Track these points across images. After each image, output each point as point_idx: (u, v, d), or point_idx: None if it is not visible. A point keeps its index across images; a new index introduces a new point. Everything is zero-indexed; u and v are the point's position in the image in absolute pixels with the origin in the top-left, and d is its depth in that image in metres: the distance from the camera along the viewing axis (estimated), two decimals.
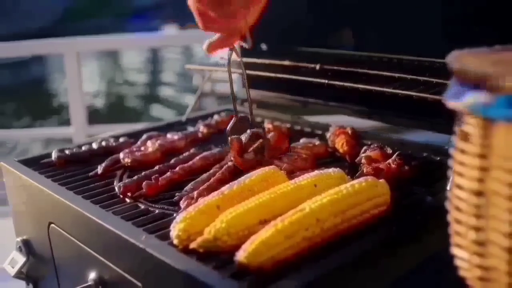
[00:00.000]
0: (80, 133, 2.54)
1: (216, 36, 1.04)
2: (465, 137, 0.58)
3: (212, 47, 1.04)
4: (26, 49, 2.92)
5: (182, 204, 0.94)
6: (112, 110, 9.07)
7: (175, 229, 0.80)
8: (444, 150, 1.15)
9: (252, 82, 1.31)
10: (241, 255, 0.72)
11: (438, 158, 1.11)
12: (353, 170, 1.04)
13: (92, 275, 0.95)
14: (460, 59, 0.58)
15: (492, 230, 0.56)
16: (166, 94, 9.94)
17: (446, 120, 1.08)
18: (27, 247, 1.20)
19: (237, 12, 0.96)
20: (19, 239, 1.22)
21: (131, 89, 10.41)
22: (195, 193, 0.95)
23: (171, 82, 10.49)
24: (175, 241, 0.80)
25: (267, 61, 1.38)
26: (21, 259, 1.21)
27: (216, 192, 0.87)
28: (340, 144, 1.16)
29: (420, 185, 0.97)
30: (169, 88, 10.25)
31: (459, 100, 0.56)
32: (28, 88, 9.94)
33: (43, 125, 7.21)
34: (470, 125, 0.57)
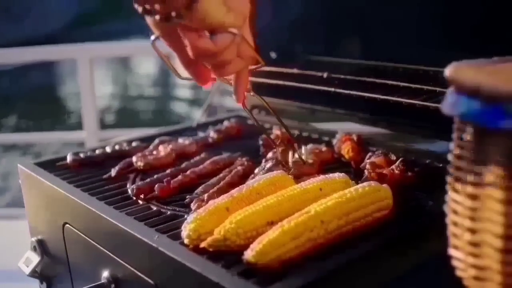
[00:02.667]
0: (92, 138, 2.60)
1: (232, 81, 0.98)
2: (461, 143, 0.62)
3: (240, 94, 0.97)
4: (38, 54, 2.98)
5: (193, 206, 0.97)
6: (123, 116, 9.11)
7: (186, 229, 0.84)
8: (446, 157, 1.18)
9: (260, 90, 1.35)
10: (249, 254, 0.76)
11: (441, 165, 1.14)
12: (358, 176, 1.08)
13: (105, 274, 0.99)
14: (456, 69, 0.61)
15: (486, 231, 0.60)
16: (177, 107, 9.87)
17: (448, 128, 1.13)
18: (41, 247, 1.24)
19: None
20: (34, 239, 1.26)
21: (144, 102, 10.38)
22: (206, 195, 0.99)
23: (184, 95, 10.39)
24: (186, 241, 0.84)
25: (275, 69, 1.41)
26: (35, 259, 1.25)
27: (225, 195, 0.91)
28: (346, 150, 1.20)
29: (422, 191, 1.00)
30: (181, 102, 10.15)
31: (455, 108, 0.60)
32: (33, 94, 9.94)
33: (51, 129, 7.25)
34: (466, 133, 0.61)
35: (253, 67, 0.96)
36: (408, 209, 0.93)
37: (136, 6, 0.82)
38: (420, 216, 0.90)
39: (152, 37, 0.87)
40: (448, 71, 0.62)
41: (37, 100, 9.54)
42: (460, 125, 0.62)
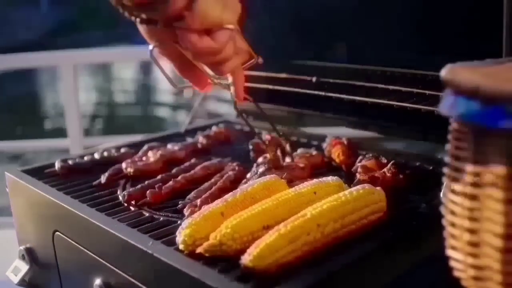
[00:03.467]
0: (76, 145, 2.57)
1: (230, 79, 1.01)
2: (459, 144, 0.62)
3: (240, 92, 1.02)
4: (21, 61, 2.95)
5: (186, 211, 0.97)
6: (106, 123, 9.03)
7: (181, 235, 0.83)
8: (436, 159, 1.19)
9: (249, 94, 1.35)
10: (246, 259, 0.75)
11: (431, 167, 1.15)
12: (349, 179, 1.08)
13: (97, 281, 0.98)
14: (453, 71, 0.62)
15: (486, 231, 0.60)
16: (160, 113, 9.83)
17: (438, 130, 1.14)
18: (30, 255, 1.22)
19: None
20: (22, 247, 1.24)
21: (126, 108, 10.32)
22: (199, 201, 0.98)
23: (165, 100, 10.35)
24: (181, 246, 0.83)
25: (264, 74, 1.42)
26: (24, 267, 1.23)
27: (220, 200, 0.90)
28: (337, 154, 1.20)
29: (414, 193, 1.01)
30: (163, 107, 10.11)
31: (453, 109, 0.61)
32: (11, 103, 9.79)
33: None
34: (464, 133, 0.61)
35: (248, 63, 0.99)
36: (402, 212, 0.93)
37: (133, 18, 0.84)
38: (414, 218, 0.91)
39: (150, 47, 0.89)
40: (444, 73, 0.62)
41: (15, 109, 9.42)
42: (458, 126, 0.62)
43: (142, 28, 0.89)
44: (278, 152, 1.19)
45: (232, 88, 1.01)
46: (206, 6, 0.81)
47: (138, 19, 0.84)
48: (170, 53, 0.90)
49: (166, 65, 0.95)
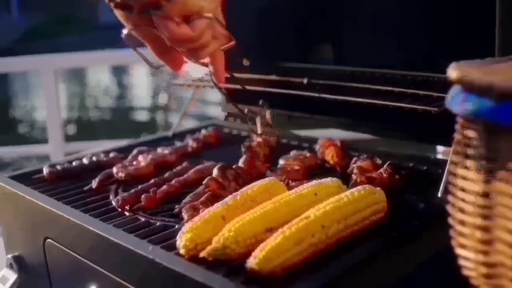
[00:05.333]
0: (57, 151, 2.53)
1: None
2: (468, 142, 0.62)
3: (221, 74, 1.02)
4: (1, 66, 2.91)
5: (185, 215, 0.95)
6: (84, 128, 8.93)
7: (182, 239, 0.82)
8: (429, 160, 1.19)
9: (238, 97, 1.33)
10: (252, 262, 0.74)
11: (425, 168, 1.15)
12: (344, 180, 1.07)
13: None
14: (463, 69, 0.61)
15: (499, 228, 0.60)
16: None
17: (430, 131, 1.14)
18: (18, 263, 1.19)
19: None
20: (9, 255, 1.21)
21: (104, 113, 10.23)
22: (200, 203, 0.97)
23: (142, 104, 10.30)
24: (182, 251, 0.82)
25: (254, 76, 1.41)
26: (12, 276, 1.20)
27: (220, 203, 0.89)
28: (330, 155, 1.20)
29: (411, 193, 1.01)
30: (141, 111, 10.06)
31: (463, 107, 0.60)
32: None
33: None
34: (475, 131, 0.61)
35: (225, 46, 0.98)
36: (402, 212, 0.93)
37: (107, 1, 0.83)
38: (415, 218, 0.91)
39: (124, 31, 0.88)
40: (453, 71, 0.62)
41: None
42: (467, 124, 0.62)
43: (118, 12, 0.87)
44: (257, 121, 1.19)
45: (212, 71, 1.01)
46: None
47: (112, 3, 0.83)
48: (146, 35, 0.90)
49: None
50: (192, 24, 0.84)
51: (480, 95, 0.58)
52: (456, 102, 0.62)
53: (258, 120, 1.17)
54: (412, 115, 1.10)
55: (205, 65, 1.01)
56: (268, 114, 1.20)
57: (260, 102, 1.14)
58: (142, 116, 9.64)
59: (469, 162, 0.62)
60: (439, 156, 1.49)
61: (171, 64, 0.97)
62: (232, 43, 0.97)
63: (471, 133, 0.62)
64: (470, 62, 0.66)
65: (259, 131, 1.16)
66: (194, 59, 0.94)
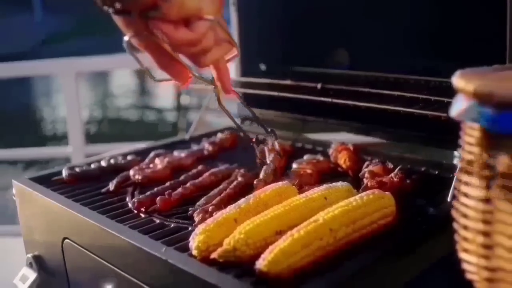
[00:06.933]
0: (78, 153, 2.58)
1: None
2: (471, 149, 0.64)
3: (227, 84, 0.95)
4: (20, 70, 2.96)
5: (196, 217, 0.98)
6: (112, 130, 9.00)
7: (195, 241, 0.84)
8: (441, 164, 1.20)
9: (254, 101, 1.35)
10: (261, 264, 0.76)
11: (437, 172, 1.16)
12: (356, 184, 1.09)
13: None
14: (466, 77, 0.63)
15: (499, 233, 0.61)
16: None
17: (443, 136, 1.15)
18: (38, 263, 1.23)
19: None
20: (29, 255, 1.24)
21: (131, 114, 10.30)
22: (210, 206, 0.99)
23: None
24: (195, 252, 0.84)
25: (269, 81, 1.43)
26: (32, 275, 1.24)
27: (232, 206, 0.91)
28: (343, 160, 1.21)
29: (422, 198, 1.02)
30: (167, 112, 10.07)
31: (466, 115, 0.62)
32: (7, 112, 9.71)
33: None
34: (476, 137, 0.62)
35: (229, 57, 0.95)
36: (411, 216, 0.94)
37: (105, 8, 0.81)
38: (424, 222, 0.92)
39: (125, 38, 0.85)
40: (456, 79, 0.63)
41: (12, 118, 9.37)
42: (470, 131, 0.64)
43: (117, 19, 0.84)
44: (265, 150, 1.19)
45: (216, 82, 0.96)
46: None
47: (111, 9, 0.81)
48: (147, 44, 0.86)
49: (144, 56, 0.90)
50: (192, 26, 0.81)
51: (481, 103, 0.60)
52: (458, 109, 0.63)
53: (266, 150, 1.15)
54: (425, 120, 1.12)
55: (209, 82, 0.97)
56: (276, 144, 1.18)
57: (269, 129, 1.12)
58: (165, 117, 9.71)
59: (471, 169, 0.64)
60: (455, 161, 1.49)
61: (175, 77, 0.92)
62: (236, 53, 0.94)
63: (473, 140, 0.63)
64: (476, 70, 0.68)
65: (268, 161, 1.14)
66: (198, 66, 0.90)
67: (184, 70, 0.91)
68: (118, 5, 0.79)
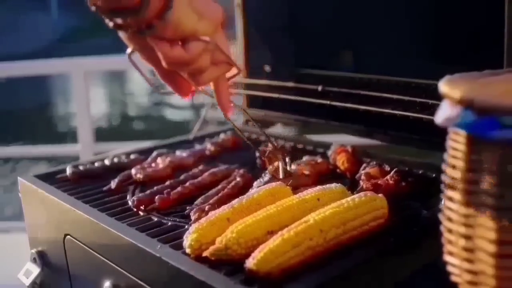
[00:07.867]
0: (87, 151, 2.61)
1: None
2: (455, 153, 0.65)
3: (225, 104, 0.96)
4: (31, 69, 3.00)
5: (192, 216, 1.00)
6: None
7: (188, 239, 0.86)
8: (439, 167, 1.21)
9: (256, 102, 1.37)
10: (250, 262, 0.78)
11: (434, 175, 1.17)
12: (353, 186, 1.10)
13: (106, 284, 1.01)
14: (450, 83, 0.64)
15: (480, 237, 0.62)
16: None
17: (440, 139, 1.16)
18: (41, 258, 1.26)
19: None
20: (33, 250, 1.27)
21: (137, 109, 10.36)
22: (206, 206, 1.01)
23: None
24: (188, 250, 0.86)
25: (271, 82, 1.44)
26: (35, 270, 1.26)
27: (226, 206, 0.93)
28: (341, 161, 1.23)
29: (416, 200, 1.03)
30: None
31: (449, 120, 0.63)
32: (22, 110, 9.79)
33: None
34: (460, 143, 0.64)
35: (230, 75, 0.96)
36: (403, 218, 0.95)
37: (107, 21, 0.82)
38: (415, 225, 0.93)
39: (128, 51, 0.87)
40: (442, 84, 0.65)
41: (30, 117, 9.46)
42: (454, 136, 0.65)
43: (119, 32, 0.85)
44: (278, 164, 1.20)
45: (217, 101, 0.97)
46: (179, 16, 0.78)
47: (111, 24, 0.82)
48: (150, 57, 0.87)
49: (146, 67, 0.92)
50: (187, 47, 0.82)
51: (464, 108, 0.61)
52: (443, 114, 0.64)
53: (281, 165, 1.15)
54: (422, 123, 1.13)
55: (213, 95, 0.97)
56: (287, 160, 1.17)
57: (278, 146, 1.11)
58: (178, 115, 9.75)
59: (455, 173, 0.65)
60: None
61: (177, 90, 0.94)
62: (237, 72, 0.95)
63: (456, 145, 0.64)
64: (465, 75, 0.69)
65: (281, 176, 1.14)
66: (195, 84, 0.91)
67: (187, 84, 0.92)
68: (118, 21, 0.80)
